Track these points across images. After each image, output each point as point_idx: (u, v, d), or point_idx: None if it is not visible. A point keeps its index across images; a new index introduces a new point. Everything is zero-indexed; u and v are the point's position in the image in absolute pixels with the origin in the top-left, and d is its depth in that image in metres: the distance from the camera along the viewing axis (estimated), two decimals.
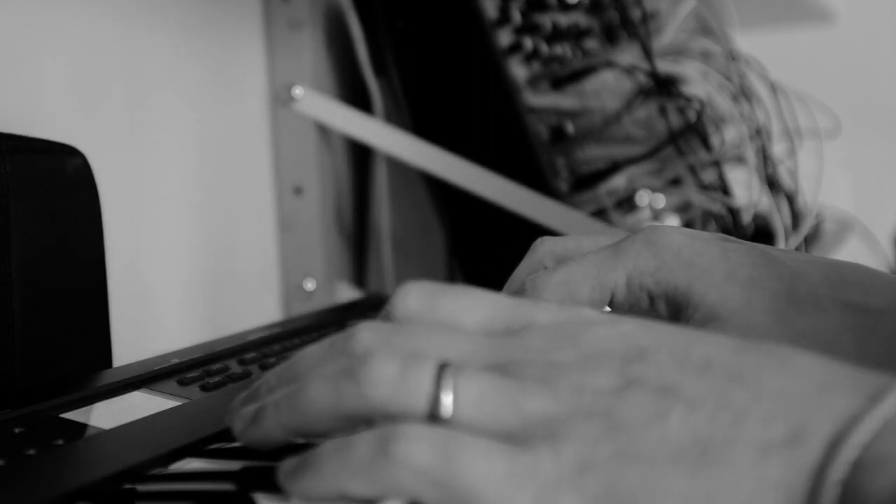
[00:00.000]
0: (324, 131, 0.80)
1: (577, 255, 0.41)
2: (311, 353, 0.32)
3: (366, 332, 0.31)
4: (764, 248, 0.40)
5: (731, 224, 0.81)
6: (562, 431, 0.27)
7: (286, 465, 0.30)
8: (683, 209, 0.85)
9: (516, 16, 0.76)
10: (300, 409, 0.31)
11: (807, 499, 0.26)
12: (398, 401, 0.29)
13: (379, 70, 0.77)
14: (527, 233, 0.71)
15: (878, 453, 0.25)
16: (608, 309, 0.44)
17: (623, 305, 0.41)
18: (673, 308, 0.40)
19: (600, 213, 0.75)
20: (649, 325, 0.30)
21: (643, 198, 0.79)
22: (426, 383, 0.29)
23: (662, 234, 0.40)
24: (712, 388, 0.28)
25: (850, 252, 1.13)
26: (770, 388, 0.27)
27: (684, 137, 0.81)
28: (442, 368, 0.29)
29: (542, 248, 0.44)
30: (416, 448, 0.27)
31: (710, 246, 0.40)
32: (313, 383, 0.30)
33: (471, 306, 0.32)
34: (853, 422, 0.26)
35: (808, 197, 0.87)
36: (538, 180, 0.71)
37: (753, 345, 0.29)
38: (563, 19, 0.83)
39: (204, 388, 0.47)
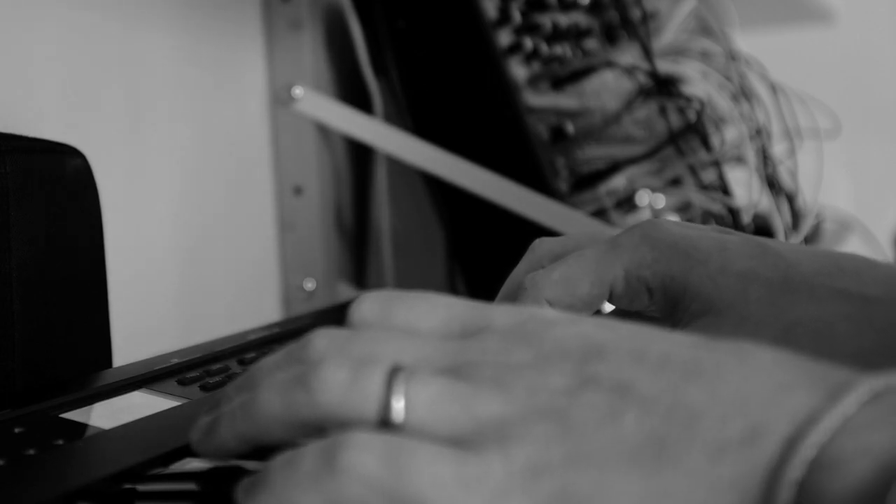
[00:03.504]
0: (324, 131, 0.80)
1: (575, 253, 0.42)
2: (268, 361, 0.32)
3: (320, 339, 0.30)
4: (760, 239, 0.41)
5: (731, 224, 0.81)
6: (513, 434, 0.27)
7: (244, 484, 0.29)
8: (683, 209, 0.85)
9: (516, 16, 0.76)
10: (253, 417, 0.30)
11: (762, 500, 0.25)
12: (349, 407, 0.28)
13: (379, 70, 0.77)
14: (527, 233, 0.71)
15: (836, 453, 0.25)
16: (610, 307, 0.44)
17: (622, 299, 0.41)
18: (670, 299, 0.40)
19: (600, 213, 0.75)
20: (609, 324, 0.30)
21: (643, 198, 0.79)
22: (377, 388, 0.28)
23: (659, 227, 0.41)
24: (668, 386, 0.27)
25: (850, 252, 1.13)
26: (728, 386, 0.27)
27: (684, 137, 0.81)
28: (393, 373, 0.28)
29: (541, 248, 0.44)
30: (362, 457, 0.27)
31: (706, 237, 0.40)
32: (265, 392, 0.30)
33: (427, 310, 0.31)
34: (811, 421, 0.25)
35: (808, 197, 0.87)
36: (538, 180, 0.71)
37: (713, 342, 0.29)
38: (563, 19, 0.83)
39: (204, 388, 0.47)
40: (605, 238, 0.42)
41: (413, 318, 0.31)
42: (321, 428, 0.29)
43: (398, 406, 0.28)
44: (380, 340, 0.30)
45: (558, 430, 0.27)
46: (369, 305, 0.32)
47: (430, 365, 0.29)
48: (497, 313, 0.31)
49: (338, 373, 0.29)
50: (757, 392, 0.27)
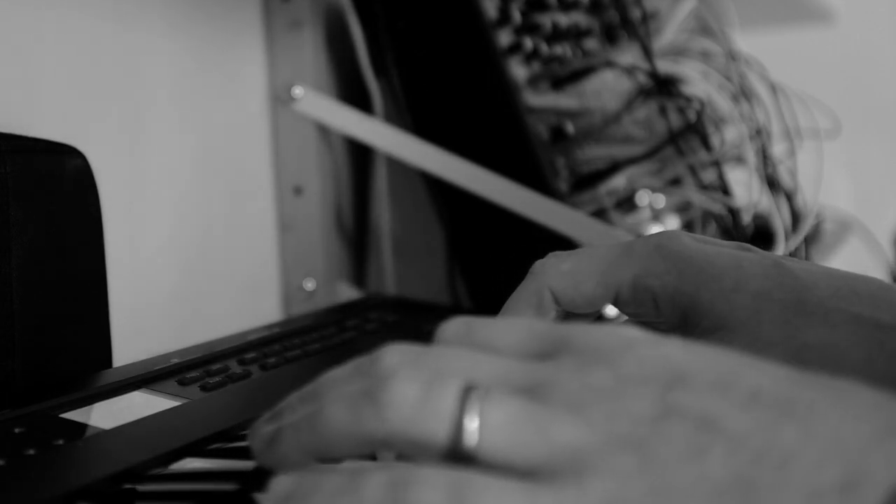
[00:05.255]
0: (324, 131, 0.80)
1: (589, 249, 0.41)
2: (336, 374, 0.31)
3: (391, 354, 0.29)
4: (778, 258, 0.40)
5: (731, 224, 0.81)
6: (591, 465, 0.26)
7: (281, 487, 0.28)
8: (683, 209, 0.85)
9: (516, 16, 0.76)
10: (318, 431, 0.29)
11: None
12: (419, 425, 0.27)
13: (379, 70, 0.77)
14: (526, 233, 0.71)
15: None
16: (615, 310, 0.44)
17: (628, 305, 0.41)
18: (679, 313, 0.40)
19: (600, 213, 0.75)
20: (695, 349, 0.28)
21: (643, 198, 0.79)
22: (450, 407, 0.27)
23: (676, 239, 0.40)
24: (759, 423, 0.25)
25: (850, 252, 1.13)
26: (824, 427, 0.25)
27: (684, 137, 0.81)
28: (467, 391, 0.27)
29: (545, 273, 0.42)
30: (429, 495, 0.25)
31: (722, 254, 0.40)
32: (332, 405, 0.29)
33: (506, 328, 0.30)
34: None
35: (808, 197, 0.87)
36: (538, 180, 0.71)
37: (809, 377, 0.27)
38: (563, 19, 0.83)
39: (204, 388, 0.47)
40: (620, 242, 0.41)
41: (492, 336, 0.30)
42: (388, 446, 0.28)
43: (472, 427, 0.26)
44: (454, 357, 0.29)
45: (638, 464, 0.25)
46: (454, 326, 0.31)
47: (505, 383, 0.28)
48: (576, 331, 0.29)
49: (409, 388, 0.27)
50: (856, 434, 0.25)
